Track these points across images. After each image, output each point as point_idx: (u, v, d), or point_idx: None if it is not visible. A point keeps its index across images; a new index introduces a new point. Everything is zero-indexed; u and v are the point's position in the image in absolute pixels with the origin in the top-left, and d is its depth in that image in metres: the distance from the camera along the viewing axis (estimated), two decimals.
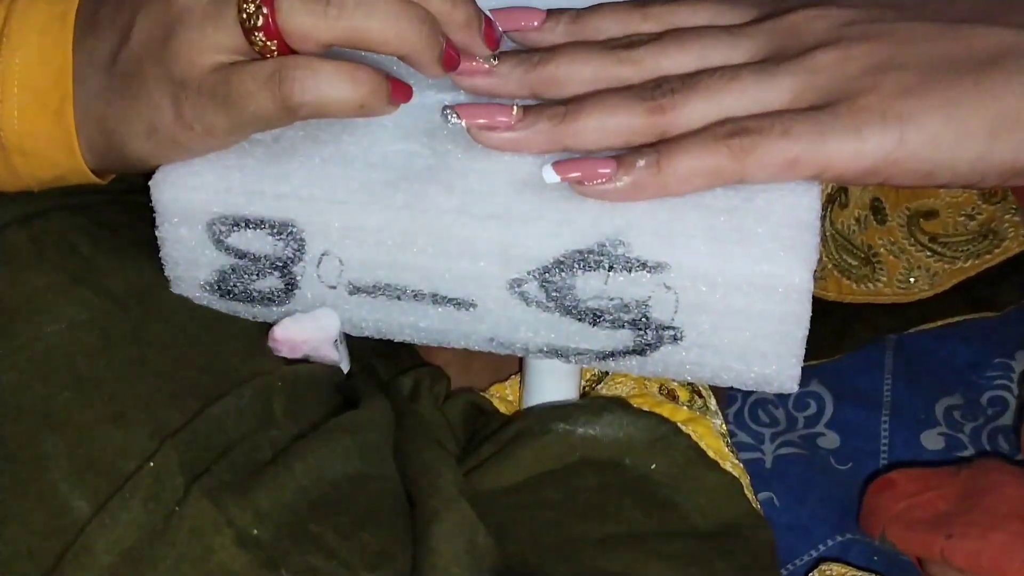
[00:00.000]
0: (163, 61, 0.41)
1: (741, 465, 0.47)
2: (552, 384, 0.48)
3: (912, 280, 0.60)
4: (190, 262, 0.44)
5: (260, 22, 0.39)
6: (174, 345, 0.43)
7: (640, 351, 0.42)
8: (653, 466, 0.45)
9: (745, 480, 0.46)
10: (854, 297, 0.62)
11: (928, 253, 0.61)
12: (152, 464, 0.39)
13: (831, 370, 0.58)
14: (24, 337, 0.41)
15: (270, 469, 0.40)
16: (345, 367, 0.46)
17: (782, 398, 0.61)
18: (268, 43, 0.40)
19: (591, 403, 0.47)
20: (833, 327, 0.62)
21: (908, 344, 0.63)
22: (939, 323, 0.62)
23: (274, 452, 0.41)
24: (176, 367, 0.42)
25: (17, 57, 0.42)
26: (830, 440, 0.60)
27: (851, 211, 0.60)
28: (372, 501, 0.42)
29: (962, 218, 0.62)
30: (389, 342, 0.46)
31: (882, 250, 0.61)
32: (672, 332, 0.42)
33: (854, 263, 0.61)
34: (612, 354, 0.43)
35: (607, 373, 0.50)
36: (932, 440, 0.59)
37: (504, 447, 0.45)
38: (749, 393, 0.62)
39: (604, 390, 0.49)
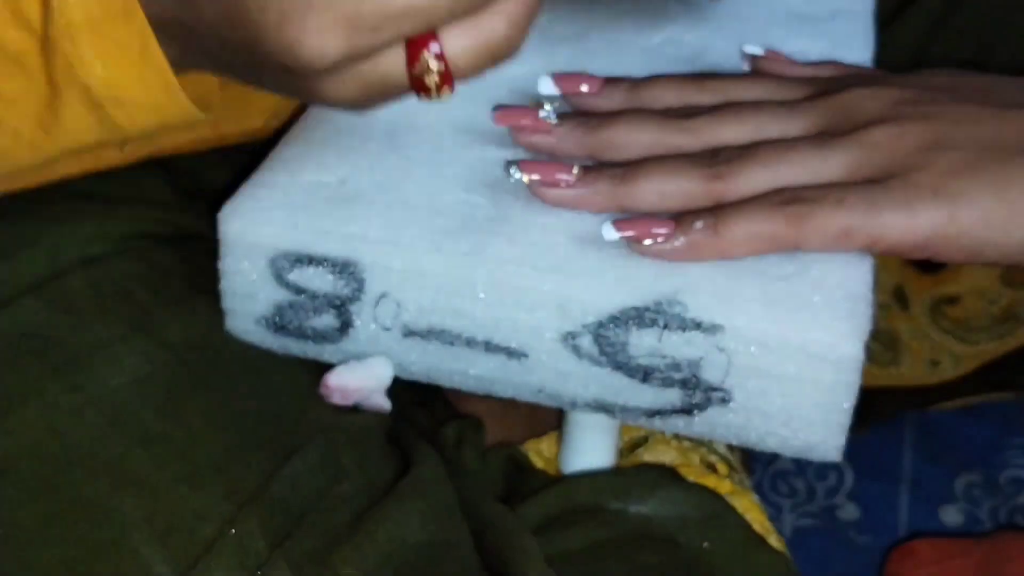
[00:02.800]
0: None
1: (783, 540, 0.47)
2: (592, 439, 0.48)
3: (937, 363, 0.62)
4: (248, 296, 0.44)
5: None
6: (234, 397, 0.43)
7: (687, 411, 0.43)
8: (705, 544, 0.45)
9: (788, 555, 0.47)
10: (875, 382, 0.63)
11: (951, 338, 0.62)
12: (234, 531, 0.39)
13: (851, 443, 0.59)
14: (91, 391, 0.41)
15: (352, 535, 0.40)
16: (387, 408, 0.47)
17: (802, 470, 0.62)
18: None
19: (642, 476, 0.47)
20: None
21: (928, 420, 0.64)
22: (959, 402, 0.63)
23: (350, 512, 0.41)
24: (238, 420, 0.42)
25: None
26: (849, 512, 0.61)
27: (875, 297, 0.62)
28: (453, 567, 0.41)
29: (984, 303, 0.63)
30: (425, 391, 0.46)
31: (905, 336, 0.62)
32: (721, 394, 0.42)
33: (876, 348, 0.62)
34: (659, 412, 0.43)
35: (647, 439, 0.51)
36: (951, 515, 0.60)
37: (554, 521, 0.45)
38: (768, 464, 0.63)
39: (646, 455, 0.49)
